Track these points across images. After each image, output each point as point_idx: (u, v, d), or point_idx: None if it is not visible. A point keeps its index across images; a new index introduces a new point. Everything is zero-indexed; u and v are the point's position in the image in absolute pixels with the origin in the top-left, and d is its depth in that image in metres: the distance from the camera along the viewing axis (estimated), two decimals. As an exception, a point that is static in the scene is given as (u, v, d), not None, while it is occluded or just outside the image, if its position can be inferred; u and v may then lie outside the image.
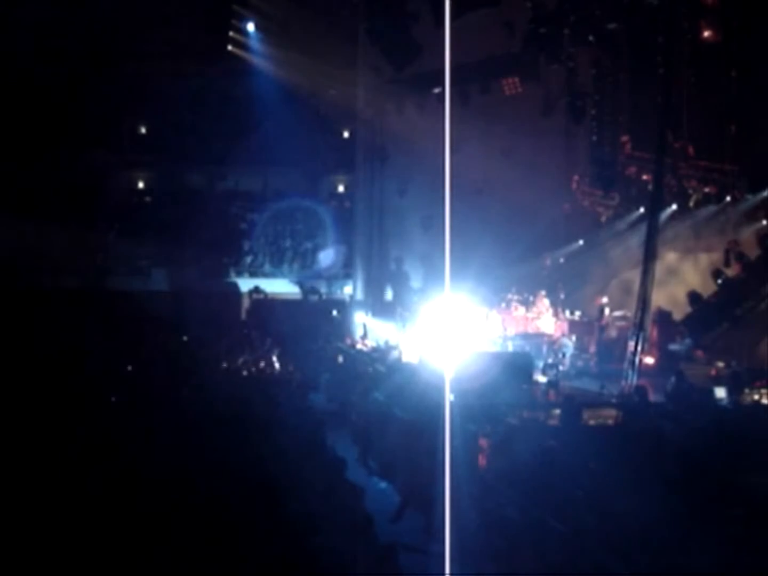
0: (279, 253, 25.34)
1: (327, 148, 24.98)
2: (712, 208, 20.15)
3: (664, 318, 17.99)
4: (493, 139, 20.92)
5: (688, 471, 8.99)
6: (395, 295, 22.76)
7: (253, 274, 24.87)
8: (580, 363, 17.82)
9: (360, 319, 21.71)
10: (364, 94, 22.30)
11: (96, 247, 23.25)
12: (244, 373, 17.99)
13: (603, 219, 22.54)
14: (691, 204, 20.32)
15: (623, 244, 21.07)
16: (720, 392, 13.99)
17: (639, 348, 14.22)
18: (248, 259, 25.07)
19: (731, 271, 19.22)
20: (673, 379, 14.42)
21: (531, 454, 10.23)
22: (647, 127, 18.02)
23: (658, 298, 16.59)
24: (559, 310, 19.64)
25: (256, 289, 24.46)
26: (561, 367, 16.48)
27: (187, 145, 24.03)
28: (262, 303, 24.03)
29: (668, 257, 19.53)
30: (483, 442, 11.18)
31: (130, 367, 15.00)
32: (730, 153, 18.95)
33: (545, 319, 19.29)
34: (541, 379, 15.50)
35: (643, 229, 16.23)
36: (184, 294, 23.03)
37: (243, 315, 24.10)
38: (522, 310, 19.49)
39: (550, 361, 16.66)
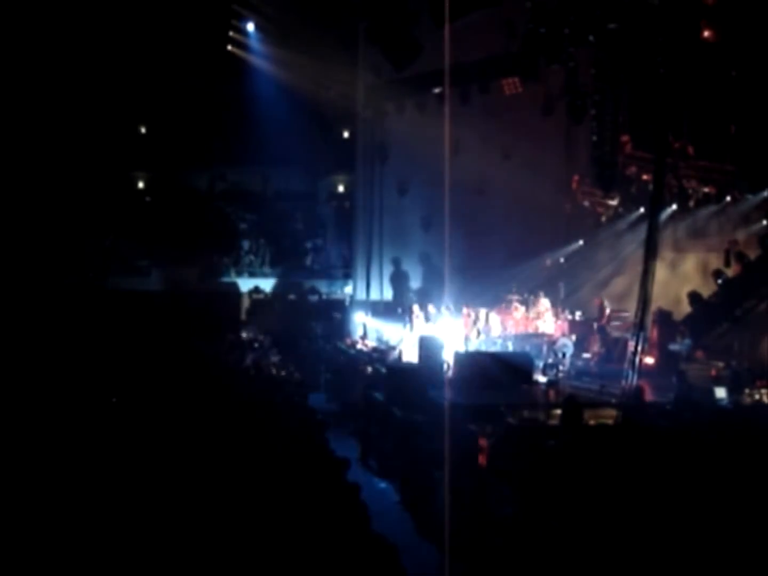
0: (279, 253, 25.35)
1: (327, 148, 24.99)
2: (712, 208, 20.15)
3: (664, 318, 17.99)
4: (493, 139, 20.93)
5: (687, 471, 8.99)
6: (395, 295, 22.76)
7: (253, 274, 24.89)
8: (580, 363, 17.82)
9: (360, 319, 21.72)
10: (364, 94, 22.30)
11: (96, 246, 23.26)
12: (244, 372, 17.98)
13: (603, 219, 22.54)
14: (691, 204, 20.32)
15: (623, 244, 21.08)
16: (720, 392, 13.99)
17: (639, 348, 14.19)
18: (248, 259, 25.07)
19: (731, 271, 19.21)
20: (674, 379, 14.44)
21: (531, 454, 10.22)
22: (647, 127, 18.01)
23: (658, 298, 16.59)
24: (559, 310, 19.64)
25: (256, 289, 24.48)
26: (561, 367, 16.47)
27: (187, 145, 24.05)
28: (262, 303, 24.05)
29: (668, 257, 19.53)
30: (483, 442, 11.17)
31: (129, 368, 14.98)
32: (730, 153, 18.94)
33: (545, 319, 19.29)
34: (541, 379, 15.50)
35: (643, 228, 16.22)
36: (184, 294, 23.04)
37: (243, 315, 24.12)
38: (522, 310, 19.49)
39: (550, 361, 16.65)
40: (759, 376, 14.88)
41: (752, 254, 19.13)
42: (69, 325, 19.11)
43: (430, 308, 19.21)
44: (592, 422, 12.56)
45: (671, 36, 15.22)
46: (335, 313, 23.50)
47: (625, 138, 20.54)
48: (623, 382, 14.02)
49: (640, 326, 14.14)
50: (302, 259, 25.44)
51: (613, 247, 21.75)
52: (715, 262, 19.67)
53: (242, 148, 23.80)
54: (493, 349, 17.83)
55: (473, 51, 19.44)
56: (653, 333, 17.02)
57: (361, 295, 22.81)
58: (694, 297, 19.21)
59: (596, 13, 16.96)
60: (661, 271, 15.66)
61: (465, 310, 18.93)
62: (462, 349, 17.21)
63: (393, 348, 18.47)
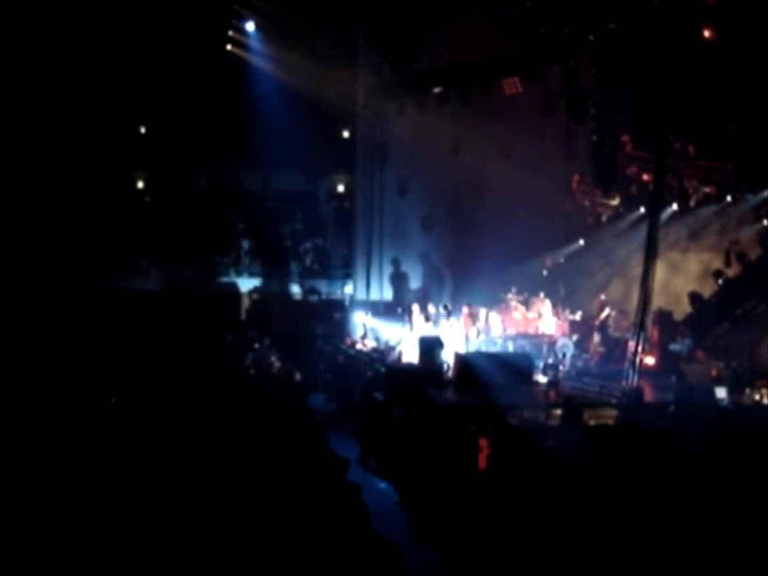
0: (279, 253, 25.34)
1: (327, 148, 24.98)
2: (712, 208, 20.14)
3: (664, 318, 17.97)
4: (493, 139, 20.90)
5: (688, 471, 8.99)
6: (395, 295, 22.75)
7: (253, 274, 24.89)
8: (580, 363, 17.80)
9: (360, 319, 21.70)
10: (364, 94, 22.29)
11: (96, 246, 23.25)
12: (244, 372, 17.99)
13: (603, 219, 22.52)
14: (691, 204, 20.31)
15: (623, 244, 21.06)
16: (720, 392, 14.00)
17: (639, 348, 14.19)
18: (248, 259, 25.06)
19: (731, 271, 19.20)
20: (674, 379, 14.44)
21: (531, 454, 10.23)
22: (647, 127, 18.00)
23: (659, 298, 16.58)
24: (559, 310, 19.62)
25: (256, 290, 24.48)
26: (561, 367, 16.44)
27: (187, 145, 24.03)
28: (262, 303, 24.05)
29: (668, 257, 19.51)
30: (483, 442, 11.17)
31: (129, 368, 15.00)
32: (730, 153, 18.92)
33: (545, 319, 19.27)
34: (541, 379, 15.48)
35: (643, 228, 16.22)
36: (183, 294, 23.03)
37: (243, 315, 24.12)
38: (522, 310, 19.47)
39: (550, 361, 16.63)
40: (759, 376, 14.88)
41: (752, 254, 19.12)
42: (69, 325, 19.11)
43: (430, 308, 19.20)
44: (592, 422, 12.57)
45: (671, 36, 15.20)
46: (335, 313, 23.49)
47: (625, 138, 20.52)
48: (623, 382, 14.02)
49: (640, 326, 14.14)
50: (302, 259, 25.42)
51: (613, 247, 21.73)
52: (715, 262, 19.65)
53: (242, 148, 23.77)
54: (493, 349, 17.81)
55: (473, 51, 19.43)
56: (653, 333, 17.00)
57: (361, 295, 22.79)
58: (694, 297, 19.20)
59: (596, 13, 16.94)
60: (661, 271, 15.65)
61: (465, 310, 18.92)
62: (462, 349, 17.20)
63: (393, 348, 18.47)
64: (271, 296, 24.37)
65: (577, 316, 19.84)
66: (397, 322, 19.71)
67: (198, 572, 5.96)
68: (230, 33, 22.95)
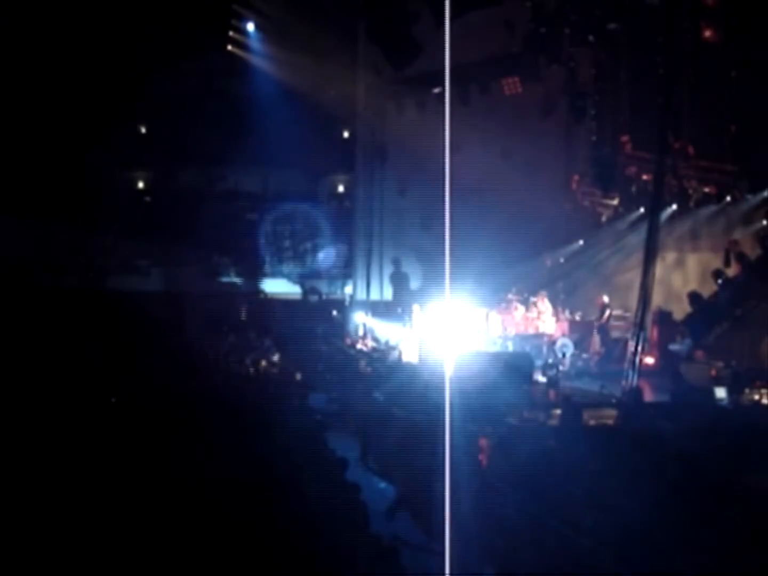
0: (279, 253, 25.33)
1: (327, 148, 24.95)
2: (712, 208, 20.14)
3: (664, 318, 17.99)
4: (493, 138, 20.92)
5: (687, 471, 8.99)
6: (395, 295, 22.76)
7: (253, 275, 24.87)
8: (580, 363, 17.81)
9: (360, 319, 21.71)
10: (364, 94, 22.29)
11: (96, 247, 23.23)
12: (243, 373, 17.98)
13: (603, 219, 22.53)
14: (691, 204, 20.32)
15: (623, 244, 21.07)
16: (720, 392, 13.99)
17: (639, 348, 14.20)
18: (248, 259, 25.04)
19: (731, 271, 19.21)
20: (673, 380, 14.45)
21: (531, 454, 10.23)
22: (647, 127, 18.02)
23: (659, 298, 16.59)
24: (559, 310, 19.63)
25: (257, 289, 24.47)
26: (561, 367, 16.46)
27: (187, 145, 24.01)
28: (263, 303, 24.04)
29: (668, 257, 19.53)
30: (483, 442, 11.18)
31: (129, 369, 14.99)
32: (730, 153, 18.93)
33: (545, 319, 19.28)
34: (541, 379, 15.49)
35: (643, 228, 16.23)
36: (183, 294, 23.02)
37: (243, 315, 24.10)
38: (522, 310, 19.47)
39: (550, 361, 16.65)
40: (759, 376, 14.88)
41: (752, 254, 19.12)
42: (69, 325, 19.10)
43: (430, 308, 19.20)
44: (592, 422, 12.57)
45: (671, 36, 15.22)
46: (335, 313, 23.49)
47: (625, 138, 20.53)
48: (623, 382, 14.03)
49: (640, 326, 14.14)
50: (302, 259, 25.41)
51: (613, 247, 21.74)
52: (715, 262, 19.66)
53: (242, 148, 23.74)
54: (493, 349, 17.82)
55: (473, 51, 19.44)
56: (653, 333, 17.02)
57: (361, 295, 22.80)
58: (694, 297, 19.20)
59: (596, 13, 16.98)
60: (661, 271, 15.66)
61: (465, 310, 18.91)
62: (462, 349, 17.19)
63: (393, 348, 18.47)
64: (271, 296, 24.37)
65: (577, 317, 19.86)
66: (397, 322, 19.72)
67: (197, 572, 5.97)
68: (230, 33, 22.94)
